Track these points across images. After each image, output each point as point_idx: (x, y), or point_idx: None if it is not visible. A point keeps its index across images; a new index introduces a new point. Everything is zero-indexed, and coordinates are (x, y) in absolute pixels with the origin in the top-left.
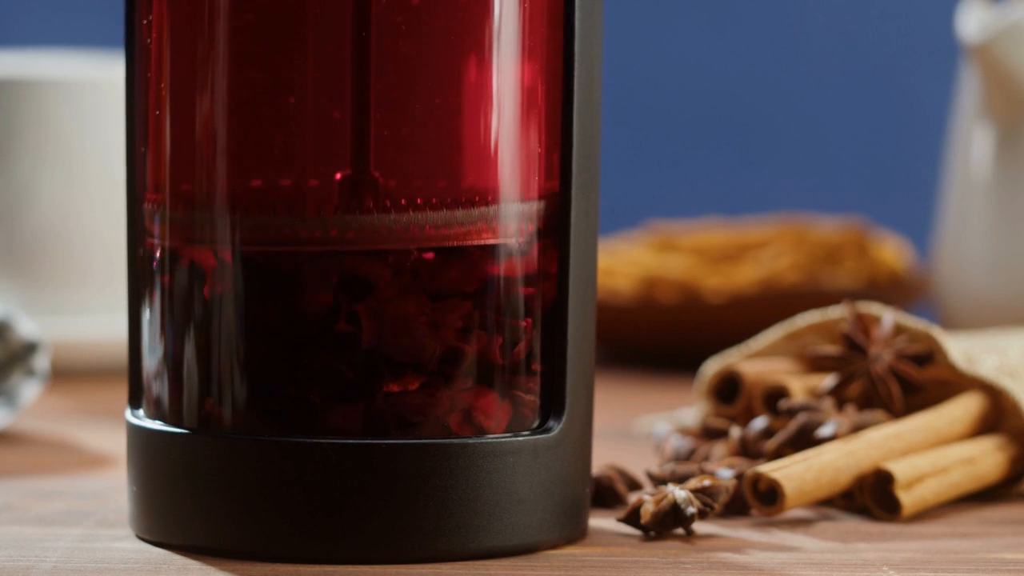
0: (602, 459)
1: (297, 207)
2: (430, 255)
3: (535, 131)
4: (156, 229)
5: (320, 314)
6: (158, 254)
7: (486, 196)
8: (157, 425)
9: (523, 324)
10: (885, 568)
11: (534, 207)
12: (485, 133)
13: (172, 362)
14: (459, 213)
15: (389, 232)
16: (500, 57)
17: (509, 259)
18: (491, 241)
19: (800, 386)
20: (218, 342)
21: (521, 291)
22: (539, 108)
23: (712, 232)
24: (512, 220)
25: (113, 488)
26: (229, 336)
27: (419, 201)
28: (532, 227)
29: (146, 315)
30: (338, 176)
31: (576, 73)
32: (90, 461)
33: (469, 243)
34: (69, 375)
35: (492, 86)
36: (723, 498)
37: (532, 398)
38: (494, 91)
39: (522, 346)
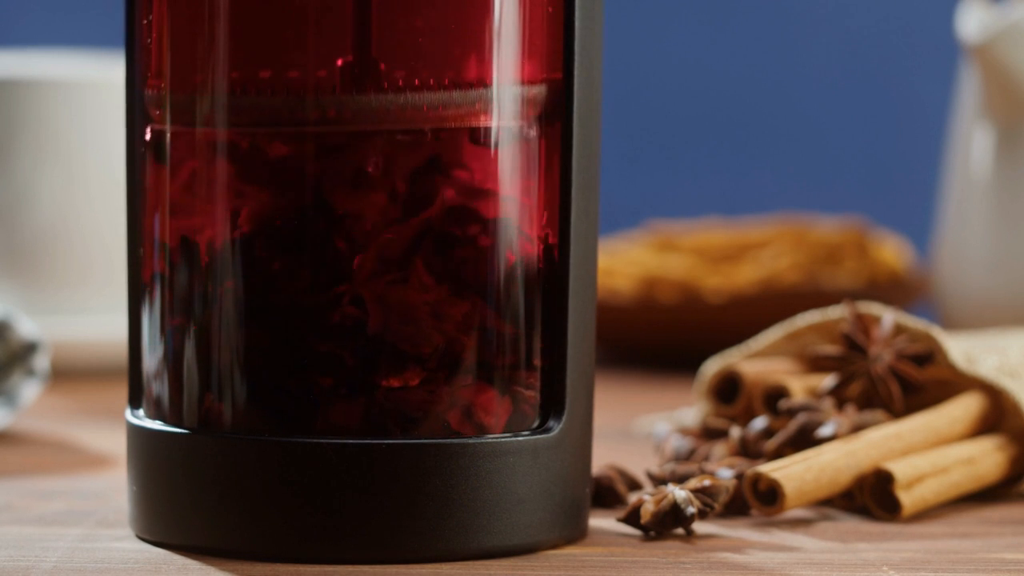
0: (602, 459)
1: (296, 90)
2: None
3: (536, 16)
4: (156, 115)
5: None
6: (150, 136)
7: (484, 78)
8: (157, 425)
9: (522, 314)
10: (885, 568)
11: (533, 91)
12: (485, 17)
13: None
14: (456, 94)
15: (387, 113)
16: None
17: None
18: (488, 124)
19: (800, 386)
20: (218, 317)
21: (520, 253)
22: None
23: (712, 232)
24: (510, 103)
25: (113, 488)
26: (228, 307)
27: (417, 82)
28: (531, 112)
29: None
30: (340, 62)
31: (576, 73)
32: (90, 461)
33: (467, 125)
34: (69, 375)
35: None
36: (723, 498)
37: (532, 394)
38: None
39: (522, 334)
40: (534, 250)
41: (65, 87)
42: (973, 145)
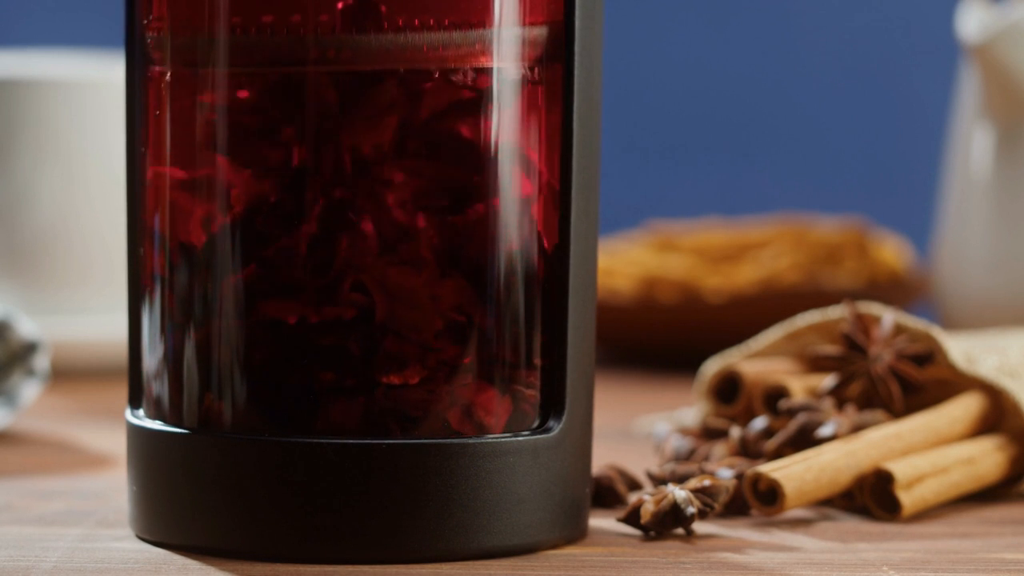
0: (602, 459)
1: (295, 30)
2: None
3: None
4: (156, 56)
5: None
6: (155, 80)
7: (485, 19)
8: (157, 425)
9: (522, 313)
10: (885, 568)
11: (534, 32)
12: None
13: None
14: (457, 35)
15: (387, 53)
16: None
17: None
18: (488, 65)
19: (800, 386)
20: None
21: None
22: None
23: (712, 232)
24: (511, 44)
25: (113, 488)
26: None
27: (417, 23)
28: (532, 54)
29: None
30: (340, 5)
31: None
32: (90, 461)
33: (467, 66)
34: (69, 375)
35: None
36: (723, 498)
37: (532, 393)
38: None
39: (522, 333)
40: (535, 188)
41: (65, 87)
42: (973, 145)
